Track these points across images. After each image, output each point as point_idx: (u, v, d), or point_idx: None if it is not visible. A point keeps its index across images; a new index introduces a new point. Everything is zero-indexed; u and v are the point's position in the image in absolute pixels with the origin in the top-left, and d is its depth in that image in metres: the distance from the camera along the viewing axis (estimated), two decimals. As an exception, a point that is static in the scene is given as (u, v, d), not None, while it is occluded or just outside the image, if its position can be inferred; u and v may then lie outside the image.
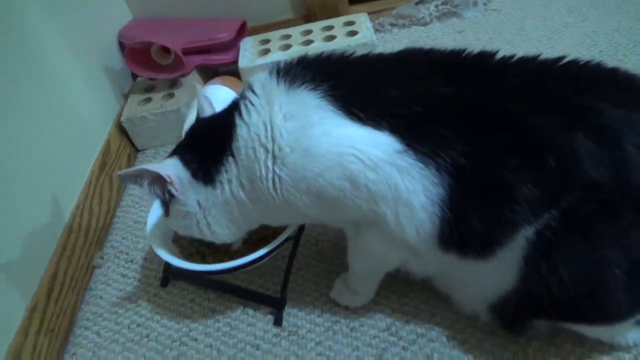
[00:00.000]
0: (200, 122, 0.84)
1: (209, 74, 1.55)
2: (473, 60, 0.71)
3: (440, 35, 1.61)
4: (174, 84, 1.45)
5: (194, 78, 1.47)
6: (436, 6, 1.69)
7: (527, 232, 0.63)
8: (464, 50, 0.73)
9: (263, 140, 0.72)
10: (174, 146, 1.36)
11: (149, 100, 1.41)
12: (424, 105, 0.67)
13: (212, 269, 0.90)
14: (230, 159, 0.75)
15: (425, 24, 1.67)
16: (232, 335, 0.93)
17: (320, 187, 0.70)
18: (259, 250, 0.88)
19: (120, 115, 1.40)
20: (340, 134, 0.68)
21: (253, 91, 0.75)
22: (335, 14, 1.63)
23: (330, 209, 0.74)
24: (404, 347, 0.85)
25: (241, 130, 0.74)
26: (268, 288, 0.99)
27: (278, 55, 1.43)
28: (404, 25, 1.68)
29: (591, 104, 0.61)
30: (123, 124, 1.38)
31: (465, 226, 0.66)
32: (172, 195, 0.79)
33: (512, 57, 0.70)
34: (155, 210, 0.98)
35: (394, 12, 1.71)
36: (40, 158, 1.05)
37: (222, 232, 0.82)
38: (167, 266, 1.03)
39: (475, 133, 0.65)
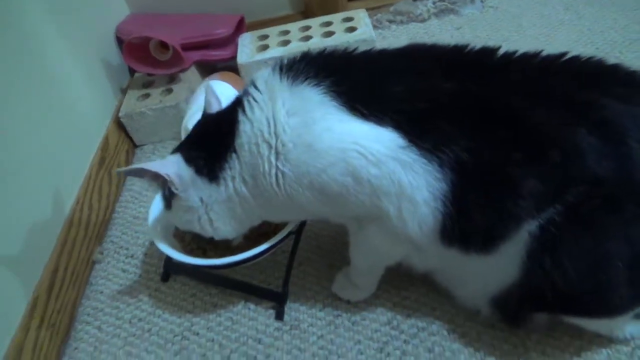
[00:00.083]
0: (206, 118, 0.84)
1: (207, 69, 1.56)
2: (476, 56, 0.72)
3: (438, 32, 1.62)
4: (172, 79, 1.45)
5: (192, 74, 1.47)
6: (434, 3, 1.69)
7: (530, 227, 0.64)
8: (466, 46, 0.73)
9: (266, 136, 0.72)
10: (172, 142, 1.40)
11: (147, 95, 1.41)
12: (427, 101, 0.68)
13: (214, 264, 0.90)
14: (234, 155, 0.76)
15: (423, 21, 1.67)
16: (234, 329, 0.94)
17: (323, 183, 0.71)
18: (261, 245, 0.88)
19: (118, 110, 1.39)
20: (343, 129, 0.69)
21: (256, 87, 0.75)
22: (334, 10, 1.63)
23: (333, 205, 0.75)
24: (405, 341, 0.86)
25: (244, 127, 0.74)
26: (269, 283, 1.00)
27: (277, 51, 1.43)
28: (401, 22, 1.69)
29: (594, 100, 0.62)
30: (121, 120, 1.38)
31: (468, 221, 0.67)
32: (173, 192, 0.80)
33: (514, 52, 0.71)
34: (157, 205, 0.98)
35: (391, 8, 1.71)
36: (39, 153, 1.05)
37: (224, 228, 0.82)
38: (168, 261, 1.03)
39: (478, 128, 0.65)
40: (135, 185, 1.30)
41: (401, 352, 0.85)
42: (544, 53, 0.70)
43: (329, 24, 1.51)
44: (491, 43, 0.74)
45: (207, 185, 0.78)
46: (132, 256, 1.12)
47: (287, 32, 1.52)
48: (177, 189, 0.79)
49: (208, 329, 0.95)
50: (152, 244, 1.12)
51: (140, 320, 0.99)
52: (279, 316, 0.94)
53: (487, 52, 0.72)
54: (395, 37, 1.64)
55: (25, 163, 0.99)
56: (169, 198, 0.83)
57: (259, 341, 0.91)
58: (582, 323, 0.76)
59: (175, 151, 0.83)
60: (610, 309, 0.68)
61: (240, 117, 0.74)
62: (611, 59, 0.70)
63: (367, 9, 1.56)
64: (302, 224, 0.99)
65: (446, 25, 1.64)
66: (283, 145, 0.71)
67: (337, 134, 0.69)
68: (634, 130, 0.60)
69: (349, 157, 0.68)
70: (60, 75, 1.20)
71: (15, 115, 1.00)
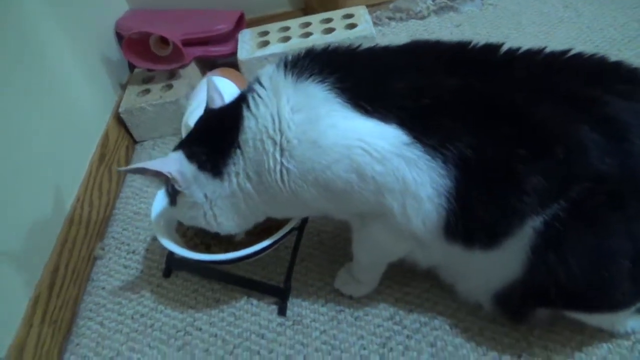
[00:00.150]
0: (208, 113, 0.84)
1: (207, 65, 1.55)
2: (479, 52, 0.72)
3: (438, 29, 1.62)
4: (172, 75, 1.44)
5: (192, 70, 1.47)
6: (433, 0, 1.69)
7: (534, 223, 0.64)
8: (470, 43, 0.73)
9: (271, 132, 0.72)
10: (172, 138, 1.40)
11: (147, 91, 1.41)
12: (431, 97, 0.68)
13: (217, 259, 0.90)
14: (238, 151, 0.76)
15: (422, 18, 1.68)
16: (237, 324, 0.94)
17: (328, 180, 0.71)
18: (263, 241, 0.88)
19: (118, 106, 1.39)
20: (347, 126, 0.69)
21: (261, 83, 0.75)
22: (333, 6, 1.63)
23: (337, 201, 0.75)
24: (407, 336, 0.87)
25: (249, 123, 0.74)
26: (271, 278, 1.00)
27: (277, 47, 1.43)
28: (401, 19, 1.69)
29: (597, 97, 0.63)
30: (121, 115, 1.37)
31: (472, 217, 0.67)
32: (176, 189, 0.80)
33: (518, 49, 0.71)
34: (159, 201, 0.98)
35: (391, 5, 1.71)
36: (38, 150, 1.04)
37: (229, 223, 0.83)
38: (170, 257, 1.03)
39: (482, 125, 0.65)
40: (135, 181, 1.30)
41: (404, 347, 0.86)
42: (548, 50, 0.71)
43: (329, 20, 1.51)
44: (491, 40, 0.74)
45: (211, 180, 0.79)
46: (133, 252, 1.12)
47: (287, 29, 1.51)
48: (180, 186, 0.79)
49: (211, 324, 0.95)
50: (153, 239, 1.12)
51: (142, 315, 0.99)
52: (282, 312, 0.94)
53: (491, 49, 0.72)
54: (395, 35, 1.64)
55: (25, 161, 0.99)
56: (173, 195, 0.83)
57: (262, 336, 0.92)
58: (583, 318, 0.77)
59: (177, 148, 0.84)
60: (613, 304, 0.69)
61: (245, 113, 0.74)
62: (610, 57, 0.70)
63: (367, 6, 1.56)
64: (305, 220, 0.99)
65: (446, 23, 1.65)
66: (288, 141, 0.71)
67: (342, 130, 0.69)
68: (636, 127, 0.61)
69: (353, 154, 0.68)
70: (59, 72, 1.19)
71: (14, 112, 0.99)
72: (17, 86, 1.02)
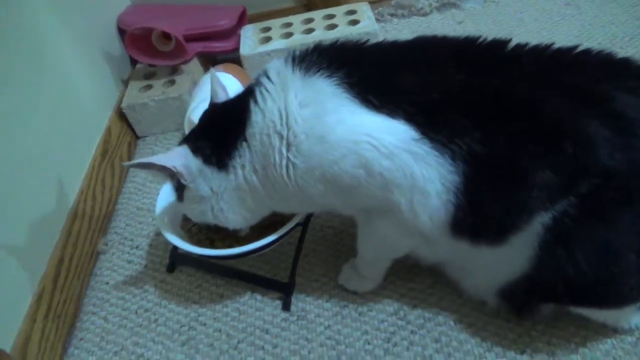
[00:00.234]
0: (214, 107, 0.84)
1: (209, 61, 1.55)
2: (487, 48, 0.72)
3: (440, 26, 1.62)
4: (174, 71, 1.44)
5: (194, 65, 1.46)
6: (435, -4, 1.70)
7: (543, 219, 0.64)
8: (478, 38, 0.73)
9: (278, 127, 0.72)
10: (175, 133, 1.40)
11: (149, 87, 1.40)
12: (439, 93, 0.68)
13: (221, 254, 0.90)
14: (244, 144, 0.76)
15: (424, 15, 1.68)
16: (241, 320, 0.94)
17: (335, 175, 0.71)
18: (268, 236, 0.88)
19: (120, 102, 1.38)
20: (355, 121, 0.69)
21: (268, 78, 0.75)
22: (336, 3, 1.62)
23: (343, 196, 0.75)
24: (412, 331, 0.87)
25: (256, 117, 0.74)
26: (275, 274, 1.00)
27: (279, 43, 1.43)
28: (403, 16, 1.69)
29: (607, 92, 0.63)
30: (124, 111, 1.37)
31: (480, 213, 0.67)
32: (182, 184, 0.80)
33: (526, 45, 0.71)
34: (163, 197, 0.98)
35: (393, 2, 1.71)
36: (41, 145, 1.04)
37: (236, 217, 0.83)
38: (174, 252, 1.03)
39: (490, 120, 0.65)
40: (138, 177, 1.30)
41: (408, 342, 0.86)
42: (556, 46, 0.71)
43: (331, 16, 1.51)
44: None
45: (216, 174, 0.78)
46: (137, 247, 1.12)
47: (289, 25, 1.51)
48: (185, 180, 0.79)
49: (215, 319, 0.95)
50: (157, 235, 1.12)
51: (146, 310, 0.99)
52: (286, 307, 0.94)
53: (499, 44, 0.72)
54: (398, 31, 1.64)
55: (28, 156, 0.99)
56: (180, 190, 0.83)
57: (267, 331, 0.92)
58: (588, 313, 0.77)
59: (182, 142, 0.83)
60: (620, 299, 0.69)
61: (252, 107, 0.74)
62: (615, 54, 0.71)
63: (369, 3, 1.56)
64: (309, 216, 0.99)
65: (448, 20, 1.65)
66: (295, 136, 0.71)
67: (350, 125, 0.69)
68: None
69: (361, 149, 0.68)
70: (61, 67, 1.19)
71: (17, 107, 0.99)
72: (19, 82, 1.01)
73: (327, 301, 0.94)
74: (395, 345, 0.86)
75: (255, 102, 0.74)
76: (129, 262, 1.09)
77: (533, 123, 0.63)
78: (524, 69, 0.68)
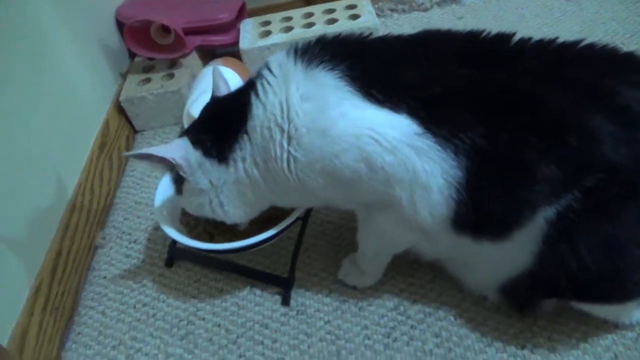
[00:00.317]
0: (215, 100, 0.83)
1: (208, 55, 1.54)
2: (491, 42, 0.72)
3: (441, 21, 1.61)
4: (173, 64, 1.43)
5: (193, 59, 1.45)
6: (436, -8, 1.69)
7: (547, 213, 0.64)
8: (481, 32, 0.72)
9: (279, 120, 0.71)
10: (173, 127, 1.39)
11: (148, 80, 1.39)
12: (442, 87, 0.67)
13: (221, 249, 0.90)
14: (245, 137, 0.75)
15: (425, 10, 1.67)
16: (240, 314, 0.94)
17: (336, 169, 0.70)
18: (268, 231, 0.88)
19: (118, 95, 1.37)
20: (357, 115, 0.68)
21: (270, 70, 0.75)
22: (335, -4, 1.61)
23: (344, 191, 0.74)
24: (412, 326, 0.87)
25: (257, 110, 0.73)
26: (275, 268, 1.00)
27: (279, 37, 1.42)
28: (404, 11, 1.68)
29: (611, 86, 0.62)
30: (122, 104, 1.36)
31: (483, 208, 0.67)
32: (182, 176, 0.79)
33: (529, 39, 0.71)
34: (162, 190, 0.97)
35: (394, -4, 1.70)
36: (40, 138, 1.03)
37: (235, 211, 0.82)
38: (173, 246, 1.02)
39: (494, 115, 0.65)
40: (136, 170, 1.29)
41: (408, 337, 0.86)
42: (560, 40, 0.70)
43: (331, 11, 1.50)
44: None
45: (216, 167, 0.78)
46: (135, 241, 1.11)
47: (289, 19, 1.50)
48: (184, 172, 0.78)
49: (214, 314, 0.95)
50: (155, 229, 1.11)
51: (144, 305, 0.98)
52: (285, 301, 0.94)
53: (502, 39, 0.71)
54: (398, 26, 1.63)
55: (27, 148, 0.98)
56: (179, 183, 0.82)
57: (266, 326, 0.91)
58: (590, 309, 0.77)
59: (182, 135, 0.83)
60: (624, 294, 0.69)
61: (253, 100, 0.74)
62: (618, 50, 0.70)
63: (370, -3, 1.55)
64: (309, 210, 0.99)
65: (448, 15, 1.64)
66: (296, 129, 0.70)
67: (352, 119, 0.68)
68: None
69: (363, 143, 0.67)
70: (59, 60, 1.17)
71: (15, 100, 0.98)
72: (17, 74, 1.00)
73: (326, 296, 0.94)
74: (395, 340, 0.86)
75: (257, 94, 0.74)
76: (127, 256, 1.08)
77: (537, 117, 0.63)
78: (528, 64, 0.68)
